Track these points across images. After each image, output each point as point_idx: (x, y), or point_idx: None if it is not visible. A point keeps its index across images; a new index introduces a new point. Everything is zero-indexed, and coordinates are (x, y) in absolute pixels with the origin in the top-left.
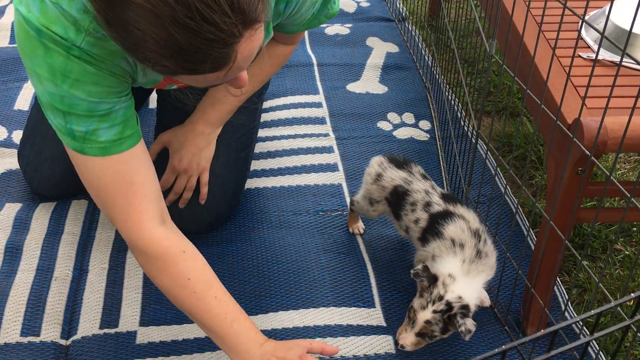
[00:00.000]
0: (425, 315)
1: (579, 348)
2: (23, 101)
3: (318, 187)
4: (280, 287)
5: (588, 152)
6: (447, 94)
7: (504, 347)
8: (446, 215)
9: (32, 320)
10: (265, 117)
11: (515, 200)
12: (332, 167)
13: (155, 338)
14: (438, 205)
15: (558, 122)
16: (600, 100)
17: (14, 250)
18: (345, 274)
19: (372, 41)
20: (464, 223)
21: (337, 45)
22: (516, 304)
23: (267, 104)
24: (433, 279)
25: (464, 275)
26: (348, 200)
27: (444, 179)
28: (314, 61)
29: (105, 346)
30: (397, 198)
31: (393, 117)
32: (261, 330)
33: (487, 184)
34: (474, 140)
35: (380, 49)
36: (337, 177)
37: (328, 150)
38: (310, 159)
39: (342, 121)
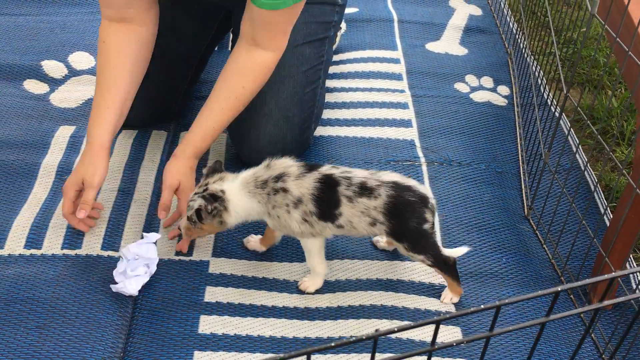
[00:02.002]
0: (189, 197)
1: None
2: None
3: (390, 141)
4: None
5: None
6: (529, 61)
7: (557, 288)
8: (313, 168)
9: (112, 236)
10: (341, 68)
11: (594, 174)
12: (405, 123)
13: (227, 270)
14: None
15: None
16: None
17: None
18: None
19: (455, 2)
20: (294, 173)
21: (419, 3)
22: (585, 276)
23: (344, 56)
24: (213, 171)
25: (243, 185)
26: (421, 154)
27: (519, 145)
28: (395, 17)
29: (180, 270)
30: None
31: (471, 79)
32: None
33: (565, 155)
34: (555, 112)
35: (463, 11)
36: (410, 133)
37: (403, 106)
38: (385, 112)
39: (419, 79)
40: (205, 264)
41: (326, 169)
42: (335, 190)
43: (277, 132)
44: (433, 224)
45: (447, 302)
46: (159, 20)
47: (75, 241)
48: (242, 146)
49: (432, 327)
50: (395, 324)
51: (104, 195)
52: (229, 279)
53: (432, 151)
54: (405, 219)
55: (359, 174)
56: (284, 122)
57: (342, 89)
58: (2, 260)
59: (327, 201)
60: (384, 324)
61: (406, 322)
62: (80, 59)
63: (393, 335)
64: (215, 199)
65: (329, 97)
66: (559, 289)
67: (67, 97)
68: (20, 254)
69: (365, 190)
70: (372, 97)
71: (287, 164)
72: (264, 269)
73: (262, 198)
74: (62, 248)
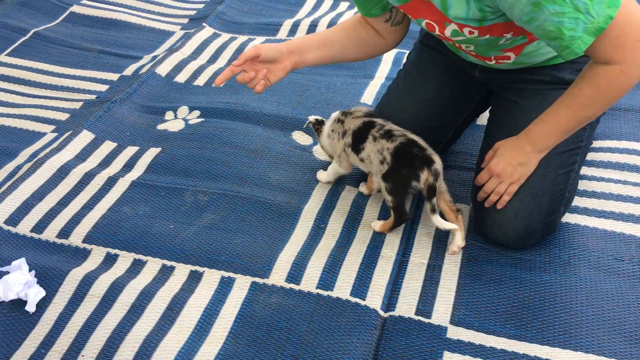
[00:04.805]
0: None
1: None
2: (368, 96)
3: None
4: (589, 330)
5: None
6: None
7: None
8: (369, 116)
9: (360, 285)
10: (594, 155)
11: None
12: None
13: (464, 337)
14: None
15: None
16: None
17: (350, 229)
18: None
19: None
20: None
21: None
22: None
23: (597, 144)
24: (343, 113)
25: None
26: None
27: None
28: None
29: (419, 330)
30: None
31: None
32: None
33: None
34: None
35: None
36: None
37: None
38: (639, 209)
39: None
40: (444, 329)
41: (376, 119)
42: (368, 130)
43: (524, 208)
44: (430, 187)
45: (373, 226)
46: (430, 87)
47: (329, 283)
48: (484, 219)
49: None
50: None
51: (354, 248)
52: (467, 346)
53: None
54: (400, 164)
55: (394, 126)
56: (531, 199)
57: (593, 178)
58: (267, 289)
59: (359, 136)
60: None
61: None
62: None
63: None
64: (320, 123)
65: (579, 184)
66: None
67: None
68: (281, 286)
69: (387, 134)
70: (626, 190)
71: (359, 108)
72: (502, 342)
73: (332, 124)
74: (317, 287)
